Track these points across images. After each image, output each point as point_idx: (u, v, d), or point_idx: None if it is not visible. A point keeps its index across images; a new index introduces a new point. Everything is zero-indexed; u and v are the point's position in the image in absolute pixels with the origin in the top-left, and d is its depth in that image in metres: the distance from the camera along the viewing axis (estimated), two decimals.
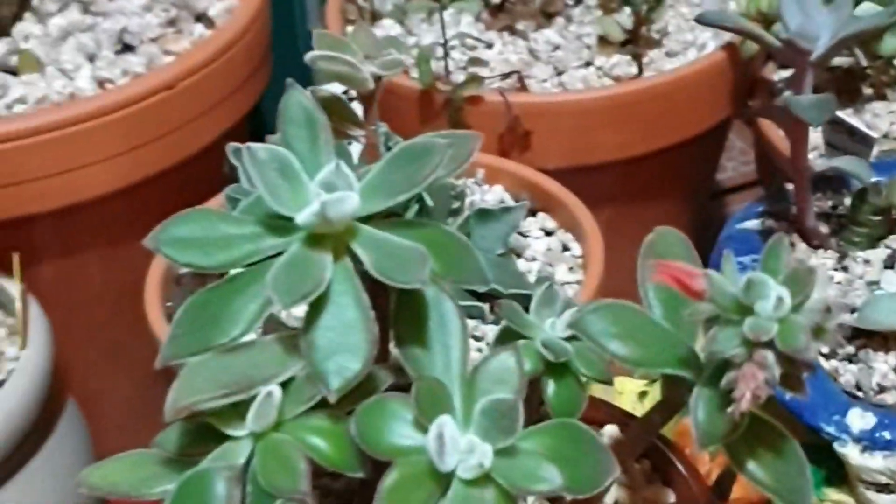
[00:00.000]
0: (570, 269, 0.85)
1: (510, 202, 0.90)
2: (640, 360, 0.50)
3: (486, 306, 0.78)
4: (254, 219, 0.55)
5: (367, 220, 0.54)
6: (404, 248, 0.52)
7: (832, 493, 0.69)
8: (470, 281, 0.55)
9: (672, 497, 0.63)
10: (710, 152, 1.05)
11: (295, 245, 0.53)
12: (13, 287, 0.80)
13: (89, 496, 0.76)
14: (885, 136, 0.91)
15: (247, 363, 0.52)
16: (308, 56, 0.60)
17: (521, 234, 0.88)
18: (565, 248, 0.87)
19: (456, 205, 0.82)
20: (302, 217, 0.52)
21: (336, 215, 0.52)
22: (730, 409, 0.46)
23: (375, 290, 0.53)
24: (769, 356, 0.45)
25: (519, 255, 0.85)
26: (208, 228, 0.54)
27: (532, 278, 0.83)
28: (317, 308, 0.52)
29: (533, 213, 0.90)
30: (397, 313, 0.54)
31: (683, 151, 0.98)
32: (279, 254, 0.53)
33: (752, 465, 0.49)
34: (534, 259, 0.85)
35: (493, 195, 0.91)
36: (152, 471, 0.52)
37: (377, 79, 0.62)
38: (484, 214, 0.82)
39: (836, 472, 0.68)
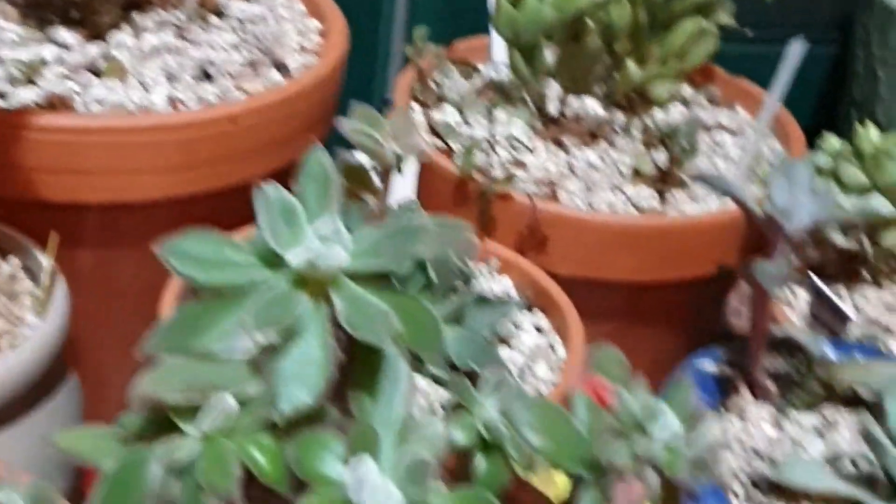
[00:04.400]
0: (551, 368, 0.90)
1: (514, 294, 0.97)
2: (549, 452, 0.56)
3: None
4: (256, 250, 0.62)
5: (355, 276, 0.61)
6: (375, 309, 0.59)
7: None
8: (429, 350, 0.62)
9: None
10: (714, 296, 1.11)
11: (282, 281, 0.60)
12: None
13: (63, 462, 0.83)
14: (872, 322, 0.96)
15: (214, 372, 0.59)
16: (341, 124, 0.67)
17: (514, 324, 0.94)
18: (552, 348, 0.93)
19: (461, 286, 0.89)
20: (293, 258, 0.59)
21: (324, 264, 0.59)
22: None
23: (348, 337, 0.60)
24: (651, 474, 0.51)
25: (505, 342, 0.92)
26: (213, 250, 0.61)
27: (512, 367, 0.89)
28: (286, 340, 0.59)
29: (530, 308, 0.96)
30: (359, 362, 0.61)
31: (688, 289, 1.04)
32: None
33: None
34: (518, 350, 0.91)
35: (500, 285, 0.97)
36: (110, 446, 0.59)
37: (398, 157, 0.69)
38: (482, 301, 0.88)
39: None
